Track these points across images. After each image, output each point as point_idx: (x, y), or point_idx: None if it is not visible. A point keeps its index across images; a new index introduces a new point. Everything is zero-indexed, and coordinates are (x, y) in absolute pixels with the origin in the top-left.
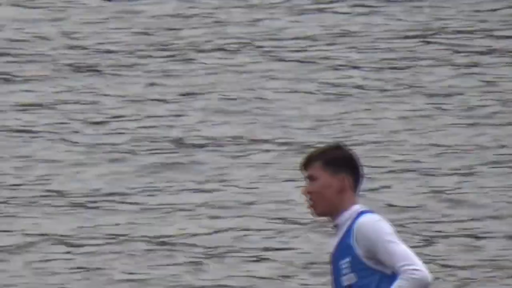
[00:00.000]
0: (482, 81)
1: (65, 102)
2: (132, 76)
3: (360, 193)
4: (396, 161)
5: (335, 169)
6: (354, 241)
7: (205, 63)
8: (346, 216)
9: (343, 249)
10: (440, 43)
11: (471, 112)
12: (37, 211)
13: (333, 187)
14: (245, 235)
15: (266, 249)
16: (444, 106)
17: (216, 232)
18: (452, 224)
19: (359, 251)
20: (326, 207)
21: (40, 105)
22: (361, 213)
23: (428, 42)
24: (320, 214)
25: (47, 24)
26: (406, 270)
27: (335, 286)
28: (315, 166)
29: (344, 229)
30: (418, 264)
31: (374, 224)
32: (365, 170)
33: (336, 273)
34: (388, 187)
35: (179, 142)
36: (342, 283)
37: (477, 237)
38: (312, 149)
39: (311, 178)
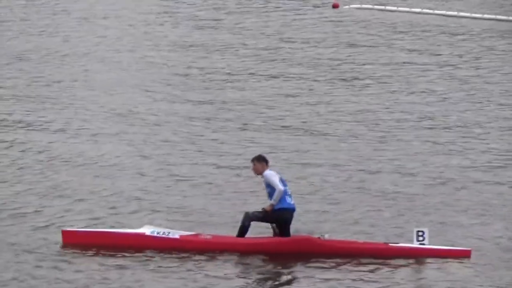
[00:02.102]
0: None
1: None
2: None
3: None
4: None
5: (259, 161)
6: (265, 181)
7: None
8: (265, 173)
9: (264, 182)
10: None
11: None
12: None
13: (261, 168)
14: None
15: None
16: None
17: None
18: None
19: (266, 183)
20: (259, 173)
21: None
22: (265, 171)
23: None
24: (257, 174)
25: None
26: (276, 188)
27: (267, 195)
28: (254, 162)
29: (263, 177)
30: (278, 186)
31: (268, 174)
32: None
33: (266, 191)
34: None
35: None
36: (268, 191)
37: None
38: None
39: (254, 165)
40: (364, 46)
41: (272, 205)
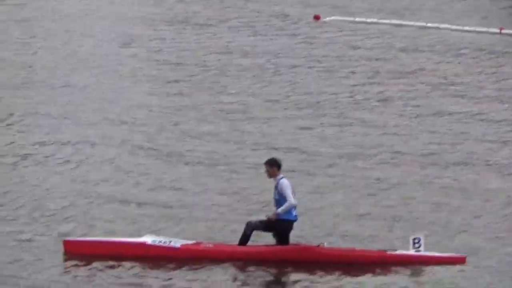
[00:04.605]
0: None
1: None
2: None
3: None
4: None
5: (272, 165)
6: (278, 187)
7: None
8: (277, 178)
9: (276, 187)
10: None
11: None
12: None
13: (273, 171)
14: None
15: None
16: None
17: None
18: None
19: (279, 190)
20: (271, 176)
21: None
22: (281, 178)
23: None
24: (270, 178)
25: None
26: (288, 200)
27: (274, 200)
28: (267, 165)
29: (276, 181)
30: (291, 198)
31: (284, 183)
32: None
33: (274, 195)
34: None
35: None
36: (276, 198)
37: None
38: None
39: (267, 169)
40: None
41: (278, 214)
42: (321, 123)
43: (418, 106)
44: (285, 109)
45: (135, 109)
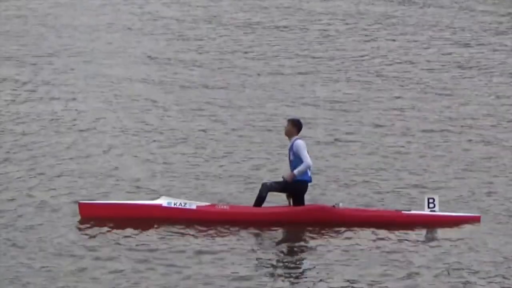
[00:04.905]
0: None
1: None
2: None
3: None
4: None
5: (294, 125)
6: (293, 149)
7: None
8: (292, 140)
9: (291, 149)
10: None
11: None
12: None
13: (292, 132)
14: None
15: None
16: None
17: None
18: None
19: (294, 151)
20: (287, 135)
21: None
22: (296, 139)
23: None
24: (285, 136)
25: None
26: (304, 160)
27: (289, 162)
28: (289, 123)
29: (291, 143)
30: (308, 159)
31: (299, 144)
32: None
33: (289, 157)
34: None
35: None
36: (290, 159)
37: None
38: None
39: (287, 125)
40: None
41: (294, 175)
42: (344, 87)
43: (440, 65)
44: (314, 69)
45: (160, 70)
